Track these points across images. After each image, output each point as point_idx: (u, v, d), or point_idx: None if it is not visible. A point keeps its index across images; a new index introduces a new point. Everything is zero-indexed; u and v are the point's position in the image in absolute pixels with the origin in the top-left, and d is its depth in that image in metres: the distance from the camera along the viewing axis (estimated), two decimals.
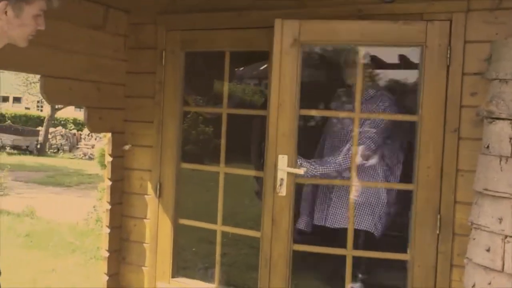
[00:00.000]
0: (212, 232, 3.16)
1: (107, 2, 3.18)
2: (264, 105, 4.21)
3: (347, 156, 2.87)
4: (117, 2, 3.24)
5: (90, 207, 7.48)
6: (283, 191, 2.56)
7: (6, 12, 1.74)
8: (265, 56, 3.50)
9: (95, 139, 21.86)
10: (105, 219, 3.32)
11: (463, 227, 2.52)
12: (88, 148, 20.51)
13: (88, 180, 13.35)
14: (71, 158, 19.23)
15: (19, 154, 18.68)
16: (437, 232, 2.56)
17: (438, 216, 2.56)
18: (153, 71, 3.28)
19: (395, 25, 2.53)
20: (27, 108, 30.55)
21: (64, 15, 2.88)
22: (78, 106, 3.23)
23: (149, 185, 3.30)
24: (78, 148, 20.99)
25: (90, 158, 18.86)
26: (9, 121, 23.31)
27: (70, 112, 26.11)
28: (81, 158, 19.37)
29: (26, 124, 23.51)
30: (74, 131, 23.12)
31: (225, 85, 3.19)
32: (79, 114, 27.10)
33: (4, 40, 1.82)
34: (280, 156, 2.53)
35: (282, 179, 2.53)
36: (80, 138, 22.25)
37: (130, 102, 3.37)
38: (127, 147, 3.33)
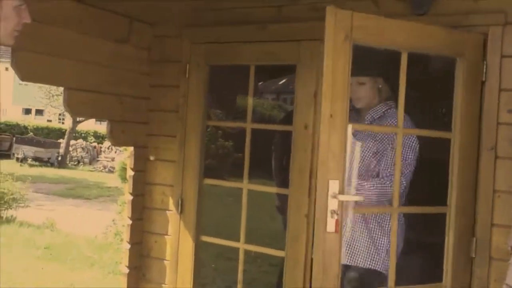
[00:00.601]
0: (232, 249, 3.07)
1: (132, 15, 3.16)
2: (285, 120, 4.14)
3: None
4: (141, 14, 3.21)
5: (109, 221, 7.47)
6: (332, 226, 1.99)
7: None
8: (289, 70, 3.44)
9: (115, 152, 22.03)
10: (126, 234, 3.26)
11: (501, 251, 2.39)
12: (108, 161, 20.67)
13: (108, 193, 13.41)
14: (91, 171, 19.40)
15: (40, 166, 18.92)
16: (473, 256, 2.44)
17: (474, 239, 2.44)
18: (177, 85, 3.23)
19: (444, 31, 2.36)
20: (49, 121, 31.01)
21: (88, 27, 2.87)
22: (101, 119, 3.19)
23: (171, 201, 3.23)
24: (98, 160, 21.18)
25: (110, 171, 18.99)
26: (31, 133, 23.65)
27: (91, 125, 26.41)
28: (101, 171, 19.53)
29: (47, 136, 23.83)
30: (95, 143, 23.37)
31: (249, 99, 3.12)
32: (100, 127, 27.38)
33: None
34: (331, 182, 2.00)
35: (333, 211, 2.01)
36: (100, 151, 22.47)
37: (153, 116, 3.32)
38: (152, 157, 3.27)
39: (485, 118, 2.46)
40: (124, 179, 8.35)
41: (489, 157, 2.44)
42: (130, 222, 3.25)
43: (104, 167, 19.97)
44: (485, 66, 2.45)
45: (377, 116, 2.56)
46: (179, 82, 3.23)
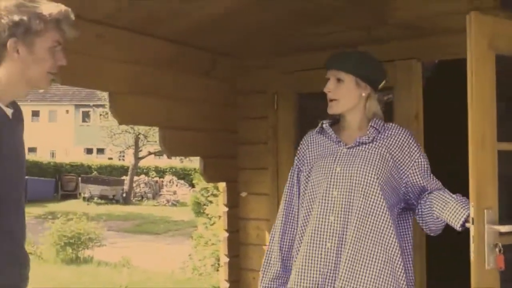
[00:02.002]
0: None
1: (214, 48, 3.14)
2: None
3: None
4: (223, 47, 3.19)
5: (183, 255, 7.45)
6: (492, 261, 1.76)
7: (18, 51, 1.50)
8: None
9: (176, 185, 22.38)
10: (223, 273, 3.18)
11: None
12: (170, 195, 20.97)
13: (175, 227, 13.52)
14: (155, 205, 19.71)
15: (106, 203, 19.41)
16: None
17: None
18: (265, 116, 3.17)
19: None
20: (110, 159, 31.96)
21: (176, 64, 2.86)
22: (194, 156, 3.16)
23: (267, 235, 3.12)
24: (160, 195, 21.52)
25: (174, 205, 19.25)
26: (95, 172, 24.43)
27: (151, 161, 27.00)
28: (165, 205, 19.80)
29: (110, 174, 24.52)
30: (156, 178, 23.79)
31: None
32: (160, 162, 27.96)
33: (24, 84, 1.55)
34: (486, 211, 1.78)
35: (496, 246, 1.77)
36: (162, 185, 22.85)
37: (242, 149, 3.26)
38: (243, 194, 3.20)
39: None
40: (198, 213, 8.35)
41: None
42: (227, 259, 3.16)
43: (167, 201, 20.25)
44: None
45: (382, 130, 2.11)
46: (266, 113, 3.16)
